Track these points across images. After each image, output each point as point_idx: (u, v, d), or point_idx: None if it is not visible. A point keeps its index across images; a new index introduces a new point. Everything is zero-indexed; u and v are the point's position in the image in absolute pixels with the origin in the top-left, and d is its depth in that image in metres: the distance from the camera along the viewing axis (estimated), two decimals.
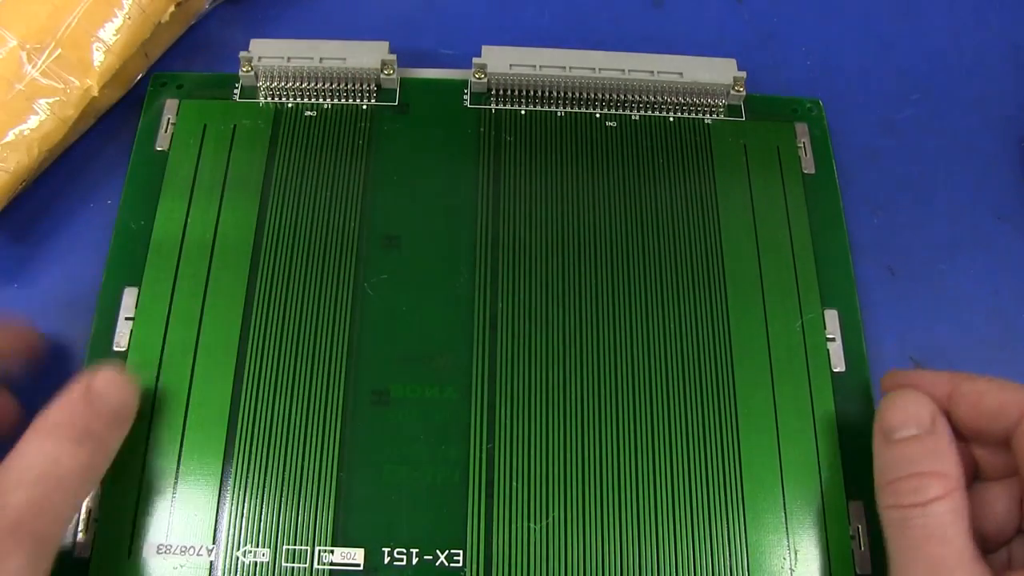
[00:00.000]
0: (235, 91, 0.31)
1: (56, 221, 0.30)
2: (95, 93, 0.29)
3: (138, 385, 0.25)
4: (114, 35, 0.29)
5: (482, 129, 0.31)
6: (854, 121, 0.33)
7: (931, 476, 0.22)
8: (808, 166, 0.31)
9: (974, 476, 0.25)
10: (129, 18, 0.29)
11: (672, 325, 0.28)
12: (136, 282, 0.28)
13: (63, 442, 0.22)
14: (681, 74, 0.30)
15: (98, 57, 0.29)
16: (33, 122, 0.28)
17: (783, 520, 0.25)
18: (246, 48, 0.31)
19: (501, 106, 0.31)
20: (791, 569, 0.25)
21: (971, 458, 0.25)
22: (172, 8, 0.30)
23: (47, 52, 0.28)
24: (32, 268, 0.30)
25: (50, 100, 0.28)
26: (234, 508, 0.25)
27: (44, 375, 0.27)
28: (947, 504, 0.22)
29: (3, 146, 0.28)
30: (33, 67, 0.28)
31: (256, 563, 0.25)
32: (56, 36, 0.28)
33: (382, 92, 0.31)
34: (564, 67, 0.30)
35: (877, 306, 0.29)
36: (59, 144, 0.29)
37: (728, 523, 0.25)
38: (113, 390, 0.24)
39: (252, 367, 0.27)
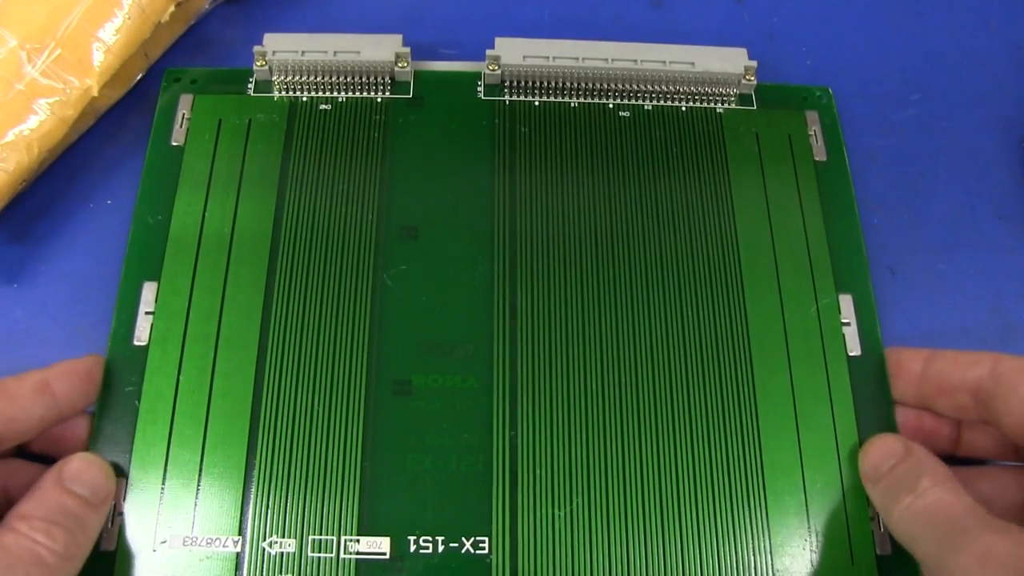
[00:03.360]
0: (249, 86, 0.31)
1: (56, 221, 0.30)
2: (95, 93, 0.29)
3: (110, 468, 0.25)
4: (114, 35, 0.29)
5: (497, 121, 0.31)
6: (854, 121, 0.33)
7: (919, 476, 0.24)
8: (820, 153, 0.31)
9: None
10: (129, 18, 0.29)
11: (690, 313, 0.28)
12: (155, 277, 0.28)
13: (37, 523, 0.22)
14: (692, 64, 0.31)
15: (98, 57, 0.29)
16: (33, 122, 0.28)
17: (803, 503, 0.26)
18: (247, 47, 0.31)
19: (515, 98, 0.31)
20: (812, 551, 0.25)
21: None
22: (172, 8, 0.30)
23: (47, 52, 0.28)
24: (32, 268, 0.30)
25: (50, 100, 0.28)
26: (259, 499, 0.25)
27: None
28: (940, 488, 0.23)
29: (3, 146, 0.27)
30: (33, 67, 0.28)
31: (282, 553, 0.24)
32: (56, 36, 0.28)
33: (396, 85, 0.31)
34: (577, 58, 0.31)
35: (878, 306, 0.29)
36: (59, 144, 0.29)
37: (749, 506, 0.26)
38: (86, 474, 0.24)
39: (273, 359, 0.27)
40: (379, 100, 0.31)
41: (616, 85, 0.31)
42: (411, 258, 0.28)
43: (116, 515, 0.25)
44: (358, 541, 0.25)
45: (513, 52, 0.31)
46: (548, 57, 0.31)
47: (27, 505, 0.23)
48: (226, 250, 0.28)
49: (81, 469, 0.24)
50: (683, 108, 0.32)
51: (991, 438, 0.27)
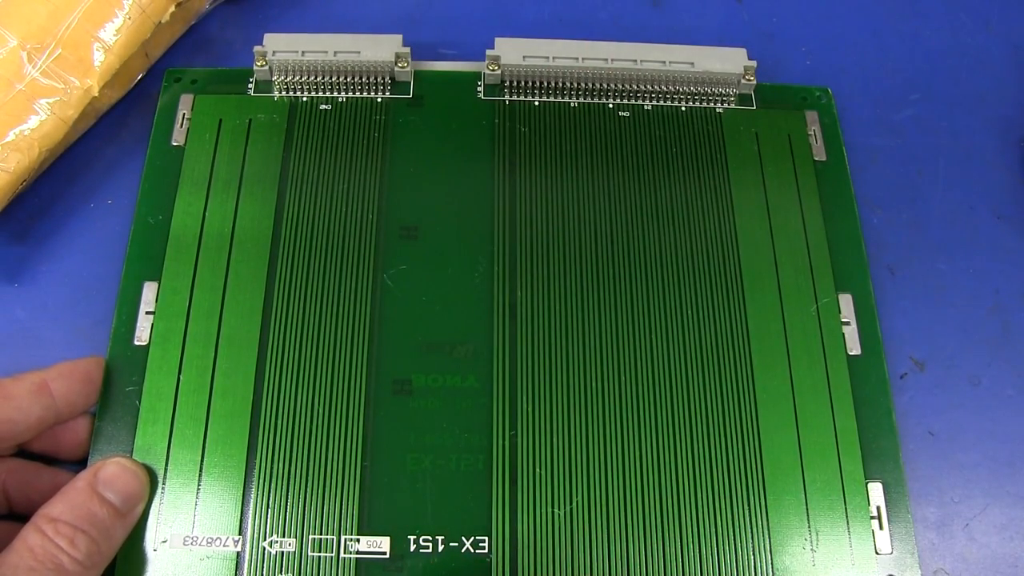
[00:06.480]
0: (249, 86, 0.31)
1: (57, 221, 0.30)
2: (95, 93, 0.29)
3: (146, 476, 0.25)
4: (114, 35, 0.29)
5: (497, 120, 0.31)
6: (854, 121, 0.33)
7: None
8: (819, 153, 0.31)
9: None
10: (129, 18, 0.29)
11: (690, 312, 0.28)
12: (156, 277, 0.28)
13: (63, 528, 0.22)
14: (692, 64, 0.31)
15: (98, 57, 0.29)
16: (34, 122, 0.28)
17: (803, 502, 0.26)
18: (247, 47, 0.31)
19: (515, 98, 0.31)
20: (812, 550, 0.25)
21: None
22: (172, 8, 0.30)
23: (47, 52, 0.28)
24: (32, 268, 0.30)
25: (51, 100, 0.28)
26: (259, 499, 0.25)
27: None
28: None
29: (4, 146, 0.27)
30: (34, 67, 0.28)
31: (283, 553, 0.24)
32: (56, 36, 0.28)
33: (396, 85, 0.31)
34: (577, 58, 0.31)
35: (877, 306, 0.29)
36: (60, 144, 0.29)
37: (749, 506, 0.26)
38: (120, 481, 0.24)
39: (274, 359, 0.27)
40: (379, 100, 0.31)
41: (616, 85, 0.31)
42: (411, 258, 0.28)
43: None
44: (358, 540, 0.25)
45: (513, 52, 0.31)
46: (548, 57, 0.31)
47: (57, 507, 0.23)
48: (226, 250, 0.28)
49: (116, 475, 0.24)
50: (683, 108, 0.32)
51: None
